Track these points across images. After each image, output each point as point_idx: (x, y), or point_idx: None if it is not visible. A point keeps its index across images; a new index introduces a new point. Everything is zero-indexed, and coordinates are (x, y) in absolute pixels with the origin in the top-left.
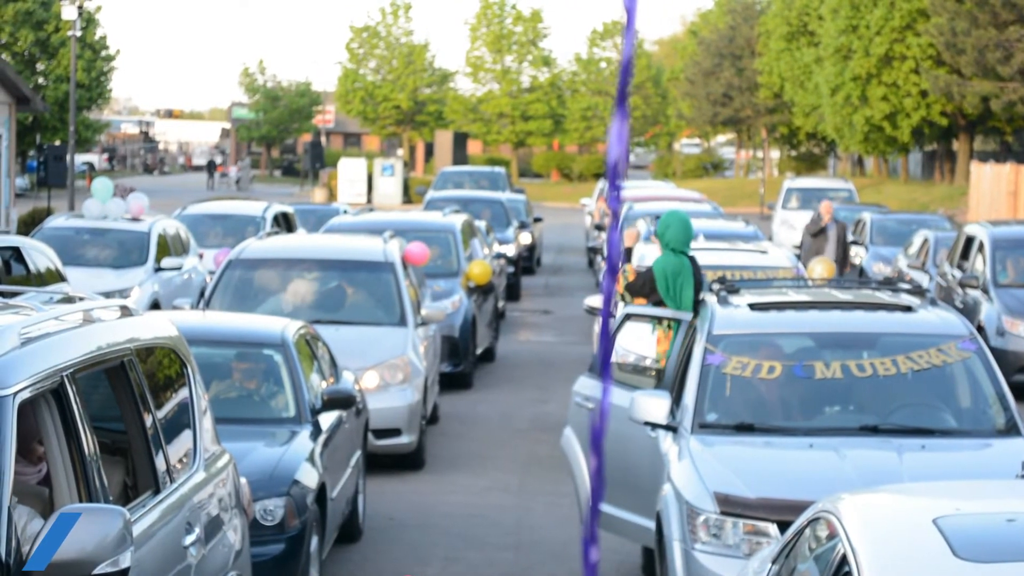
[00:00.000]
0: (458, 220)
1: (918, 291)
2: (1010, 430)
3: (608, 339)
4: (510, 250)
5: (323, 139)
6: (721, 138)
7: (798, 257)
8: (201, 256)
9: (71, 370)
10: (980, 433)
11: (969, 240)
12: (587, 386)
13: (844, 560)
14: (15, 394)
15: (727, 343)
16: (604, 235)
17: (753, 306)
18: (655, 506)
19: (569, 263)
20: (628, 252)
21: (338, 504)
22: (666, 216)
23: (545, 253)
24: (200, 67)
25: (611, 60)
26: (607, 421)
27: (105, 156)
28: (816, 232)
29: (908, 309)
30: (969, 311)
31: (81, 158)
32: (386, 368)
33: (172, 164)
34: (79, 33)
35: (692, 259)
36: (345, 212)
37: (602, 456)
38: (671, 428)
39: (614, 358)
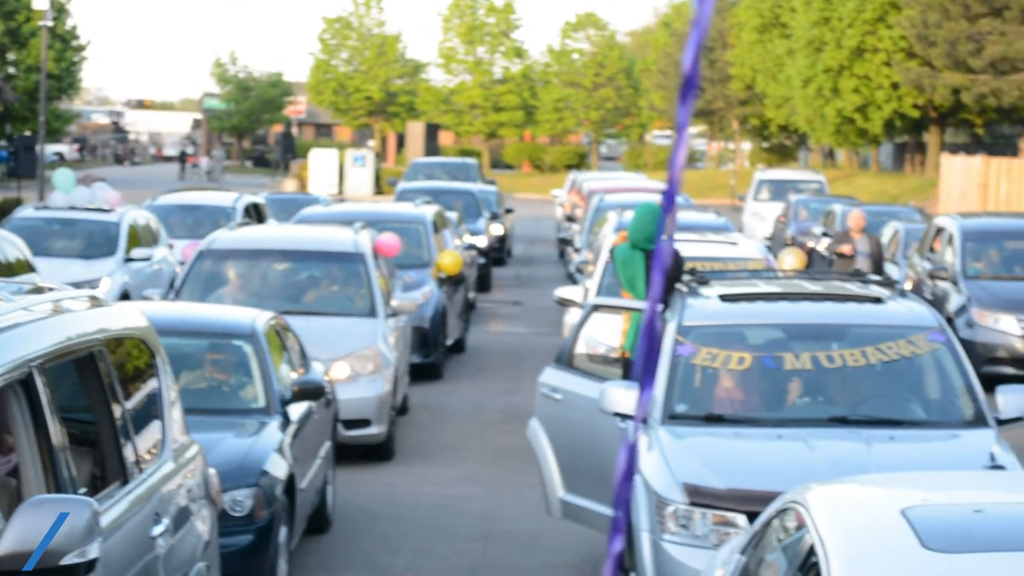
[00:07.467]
0: (429, 211)
1: (888, 283)
2: (978, 421)
3: (654, 341)
4: (481, 241)
5: (294, 130)
6: (693, 130)
7: (769, 249)
8: (171, 247)
9: (40, 361)
10: (949, 424)
11: (939, 232)
12: (554, 377)
13: (812, 551)
14: None
15: (697, 334)
16: (576, 226)
17: (723, 297)
18: None
19: (540, 254)
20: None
21: (307, 495)
22: (637, 208)
23: (516, 244)
24: (171, 57)
25: (583, 51)
26: (639, 419)
27: (76, 146)
28: (842, 244)
29: (878, 300)
30: (939, 302)
31: (51, 148)
32: (356, 359)
33: (143, 155)
34: (50, 23)
35: (675, 251)
36: (325, 202)
37: (634, 459)
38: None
39: (583, 349)
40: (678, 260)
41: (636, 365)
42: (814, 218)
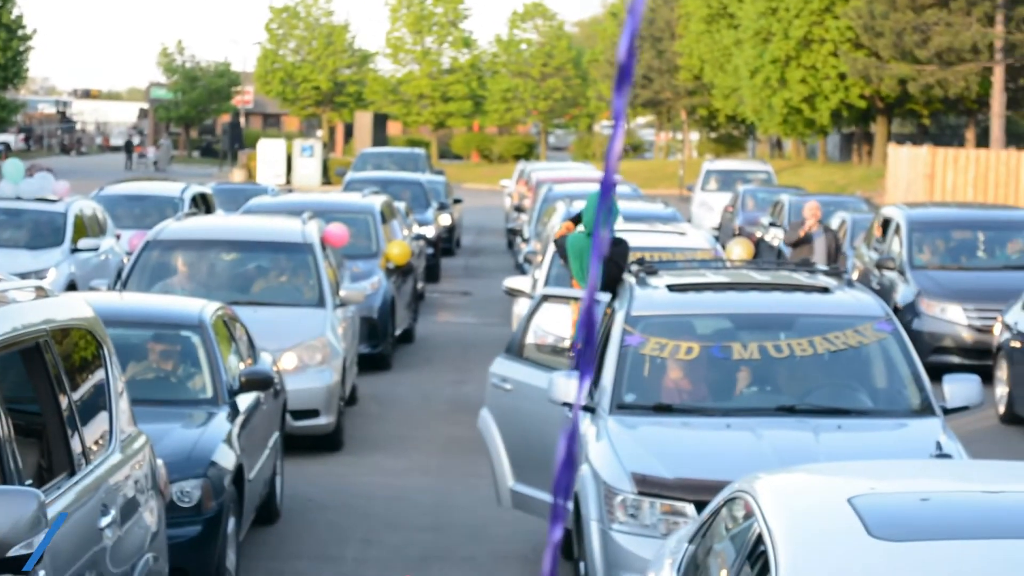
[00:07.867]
0: (377, 201)
1: (835, 272)
2: (925, 410)
3: (592, 329)
4: (429, 231)
5: (242, 120)
6: (641, 120)
7: (717, 239)
8: (118, 237)
9: None
10: (896, 413)
11: (886, 222)
12: (504, 367)
13: (760, 539)
14: None
15: (645, 324)
16: (524, 217)
17: (671, 287)
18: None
19: (489, 244)
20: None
21: (256, 485)
22: (589, 197)
23: (465, 234)
24: (118, 47)
25: (531, 42)
26: (579, 409)
27: (22, 136)
28: (796, 242)
29: (825, 290)
30: (886, 292)
31: None
32: (304, 349)
33: (90, 144)
34: None
35: (622, 241)
36: (273, 192)
37: (575, 442)
38: (589, 409)
39: (532, 339)
40: (625, 250)
41: (575, 353)
42: (762, 208)
